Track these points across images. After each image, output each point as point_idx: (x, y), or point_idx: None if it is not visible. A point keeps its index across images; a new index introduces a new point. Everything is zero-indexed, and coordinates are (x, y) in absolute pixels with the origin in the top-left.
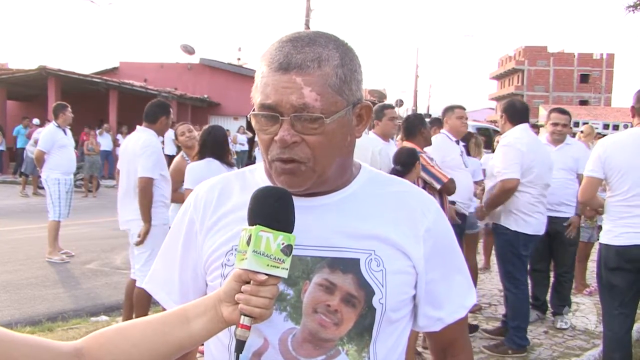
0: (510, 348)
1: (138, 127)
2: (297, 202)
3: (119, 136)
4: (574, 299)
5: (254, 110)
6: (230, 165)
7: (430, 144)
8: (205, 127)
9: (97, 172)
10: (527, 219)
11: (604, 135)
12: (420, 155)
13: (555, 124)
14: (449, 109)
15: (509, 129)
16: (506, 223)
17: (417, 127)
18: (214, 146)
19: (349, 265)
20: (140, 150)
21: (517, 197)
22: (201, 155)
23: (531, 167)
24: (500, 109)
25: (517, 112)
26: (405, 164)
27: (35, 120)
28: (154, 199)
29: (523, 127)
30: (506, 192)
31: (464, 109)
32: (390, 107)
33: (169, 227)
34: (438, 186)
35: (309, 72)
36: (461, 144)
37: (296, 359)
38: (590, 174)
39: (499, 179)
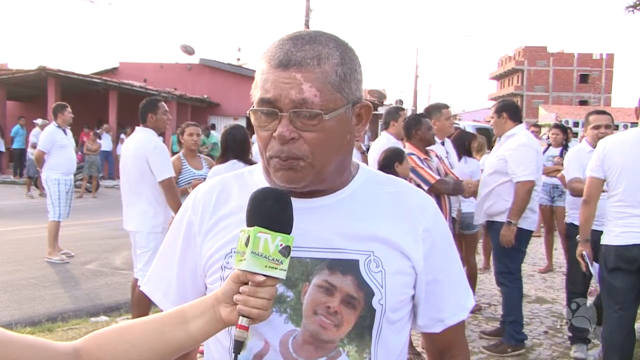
0: (509, 346)
1: (137, 128)
2: (296, 203)
3: (123, 136)
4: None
5: (253, 106)
6: (252, 165)
7: (430, 143)
8: (226, 127)
9: (96, 172)
10: (531, 215)
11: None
12: (409, 156)
13: (597, 127)
14: (435, 110)
15: (510, 127)
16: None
17: (410, 129)
18: (236, 147)
19: (348, 267)
20: (149, 152)
21: None
22: (225, 157)
23: (539, 166)
24: (496, 108)
25: (516, 111)
26: (382, 168)
27: (39, 120)
28: (158, 201)
29: (523, 127)
30: (528, 193)
31: (449, 107)
32: (403, 109)
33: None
34: (425, 187)
35: (308, 69)
36: (449, 144)
37: None
38: (591, 174)
39: (517, 180)
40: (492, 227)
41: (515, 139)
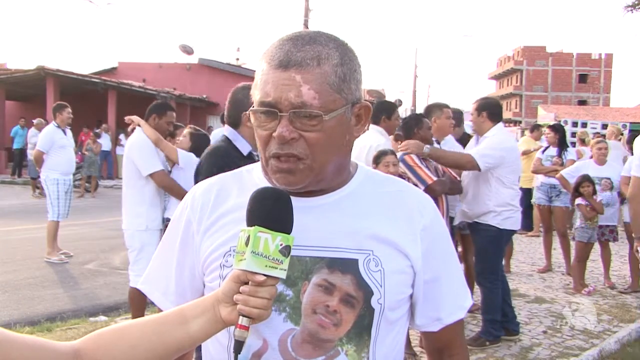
0: (487, 340)
1: (137, 127)
2: (295, 202)
3: (122, 136)
4: (573, 299)
5: (252, 106)
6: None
7: (429, 143)
8: (192, 131)
9: (95, 172)
10: (514, 214)
11: (603, 136)
12: (408, 155)
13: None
14: (436, 108)
15: (489, 127)
16: (493, 221)
17: (412, 128)
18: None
19: (348, 266)
20: (133, 152)
21: (504, 193)
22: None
23: (515, 167)
24: (477, 106)
25: (496, 110)
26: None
27: (38, 120)
28: (146, 200)
29: (500, 126)
30: (468, 163)
31: (450, 108)
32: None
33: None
34: (422, 187)
35: (308, 70)
36: (452, 141)
37: None
38: (635, 174)
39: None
40: (475, 228)
41: (489, 138)
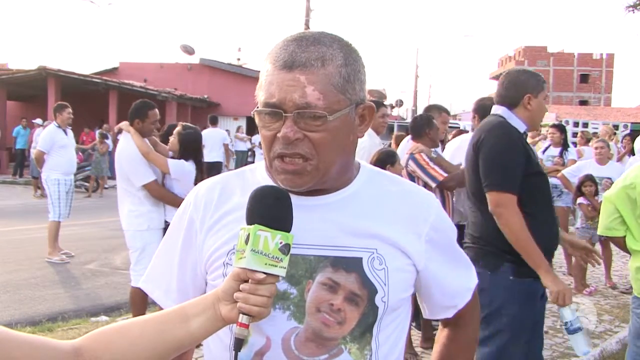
0: None
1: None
2: (299, 201)
3: (120, 137)
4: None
5: (257, 107)
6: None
7: (436, 145)
8: (183, 129)
9: (102, 172)
10: None
11: (598, 134)
12: (418, 154)
13: None
14: (435, 110)
15: None
16: None
17: (422, 128)
18: (193, 148)
19: (352, 264)
20: (124, 161)
21: None
22: (182, 157)
23: None
24: (472, 108)
25: (487, 112)
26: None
27: (39, 120)
28: (143, 201)
29: None
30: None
31: (449, 113)
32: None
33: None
34: (433, 185)
35: (312, 71)
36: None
37: (299, 358)
38: None
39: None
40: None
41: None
